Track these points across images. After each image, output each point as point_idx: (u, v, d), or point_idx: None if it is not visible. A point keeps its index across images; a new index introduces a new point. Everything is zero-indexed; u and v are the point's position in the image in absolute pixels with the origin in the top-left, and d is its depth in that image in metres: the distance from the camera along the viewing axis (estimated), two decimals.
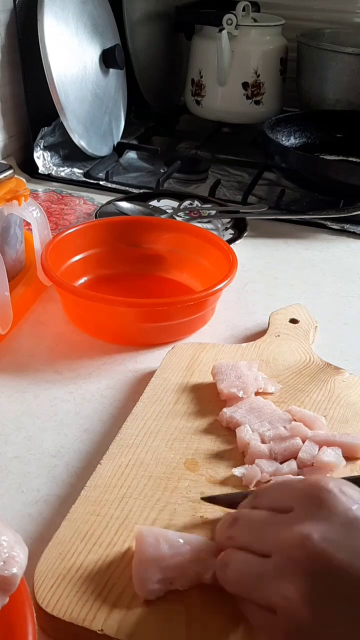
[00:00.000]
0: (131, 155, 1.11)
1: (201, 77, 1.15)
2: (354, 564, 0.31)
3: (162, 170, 1.03)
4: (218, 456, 0.49)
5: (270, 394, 0.55)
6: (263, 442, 0.49)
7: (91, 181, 0.99)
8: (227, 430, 0.51)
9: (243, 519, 0.38)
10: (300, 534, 0.33)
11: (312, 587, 0.31)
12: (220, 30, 1.06)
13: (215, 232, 0.80)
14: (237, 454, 0.49)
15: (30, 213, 0.65)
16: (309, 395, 0.56)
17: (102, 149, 1.05)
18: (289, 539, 0.33)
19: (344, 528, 0.33)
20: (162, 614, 0.37)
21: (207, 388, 0.56)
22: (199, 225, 0.81)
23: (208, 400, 0.55)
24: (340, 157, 1.08)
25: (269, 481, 0.46)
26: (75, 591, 0.38)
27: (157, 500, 0.45)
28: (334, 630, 0.31)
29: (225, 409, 0.52)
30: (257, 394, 0.55)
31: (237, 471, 0.47)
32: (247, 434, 0.50)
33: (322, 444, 0.49)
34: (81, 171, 1.02)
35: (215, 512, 0.44)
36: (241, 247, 0.80)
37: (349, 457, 0.49)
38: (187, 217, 0.88)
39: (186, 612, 0.38)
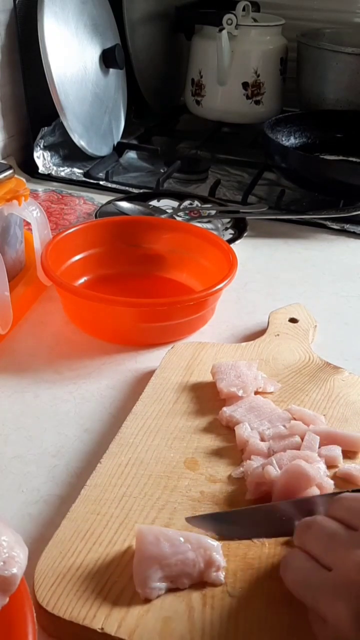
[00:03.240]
0: (131, 155, 1.11)
1: (201, 77, 1.15)
2: None
3: (162, 170, 1.03)
4: (218, 455, 0.49)
5: (270, 393, 0.56)
6: (262, 440, 0.50)
7: (91, 181, 0.99)
8: (227, 429, 0.52)
9: (316, 526, 0.38)
10: (357, 562, 0.34)
11: None
12: (220, 30, 1.06)
13: (215, 232, 0.80)
14: (236, 452, 0.49)
15: (30, 213, 0.65)
16: (308, 394, 0.56)
17: (102, 149, 1.05)
18: (351, 560, 0.34)
19: None
20: (162, 613, 0.38)
21: (207, 387, 0.56)
22: (199, 225, 0.81)
23: (208, 399, 0.55)
24: (340, 157, 1.08)
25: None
26: (75, 590, 0.39)
27: (157, 499, 0.45)
28: None
29: (224, 408, 0.53)
30: (256, 393, 0.55)
31: (235, 472, 0.47)
32: (246, 431, 0.50)
33: (321, 436, 0.49)
34: (81, 171, 1.02)
35: (215, 510, 0.44)
36: (241, 247, 0.80)
37: (348, 452, 0.49)
38: (187, 217, 0.88)
39: (187, 610, 0.38)
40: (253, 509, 0.45)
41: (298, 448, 0.48)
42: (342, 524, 0.37)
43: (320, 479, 0.45)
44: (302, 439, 0.49)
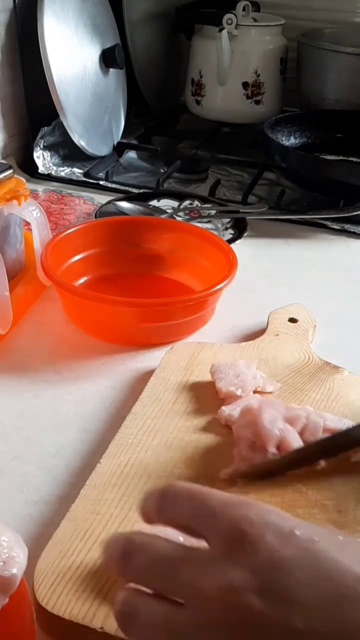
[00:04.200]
0: (131, 155, 1.11)
1: (201, 77, 1.15)
2: (279, 614, 0.27)
3: (162, 170, 1.03)
4: (217, 454, 0.49)
5: (269, 393, 0.56)
6: None
7: (91, 181, 0.99)
8: (226, 429, 0.52)
9: (143, 550, 0.30)
10: (219, 582, 0.28)
11: None
12: (220, 30, 1.06)
13: (215, 232, 0.80)
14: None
15: (30, 213, 0.65)
16: (308, 394, 0.56)
17: (102, 149, 1.05)
18: (206, 586, 0.28)
19: (268, 573, 0.28)
20: None
21: (206, 387, 0.56)
22: (199, 225, 0.81)
23: (207, 399, 0.55)
24: (340, 157, 1.08)
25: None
26: (75, 589, 0.39)
27: None
28: None
29: (223, 407, 0.53)
30: (255, 392, 0.55)
31: (224, 473, 0.47)
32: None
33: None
34: (81, 171, 1.02)
35: None
36: (241, 247, 0.80)
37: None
38: (187, 217, 0.88)
39: None
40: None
41: (297, 419, 0.49)
42: (179, 528, 0.31)
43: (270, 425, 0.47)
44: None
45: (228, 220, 0.87)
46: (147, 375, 0.59)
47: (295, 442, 0.47)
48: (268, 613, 0.27)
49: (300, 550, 0.28)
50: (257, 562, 0.28)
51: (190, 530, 0.31)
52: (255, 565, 0.28)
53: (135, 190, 0.96)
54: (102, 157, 1.05)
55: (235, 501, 0.30)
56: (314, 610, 0.27)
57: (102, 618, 0.37)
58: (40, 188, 0.98)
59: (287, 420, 0.48)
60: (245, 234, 0.83)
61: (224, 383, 0.55)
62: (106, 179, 0.99)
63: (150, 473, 0.47)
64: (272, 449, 0.47)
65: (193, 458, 0.49)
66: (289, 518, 0.30)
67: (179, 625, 0.28)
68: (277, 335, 0.63)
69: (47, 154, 1.02)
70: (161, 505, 0.32)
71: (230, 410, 0.52)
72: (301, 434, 0.48)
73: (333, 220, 0.89)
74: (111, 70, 1.06)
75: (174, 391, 0.55)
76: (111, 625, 0.37)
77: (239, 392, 0.54)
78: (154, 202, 0.91)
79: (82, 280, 0.73)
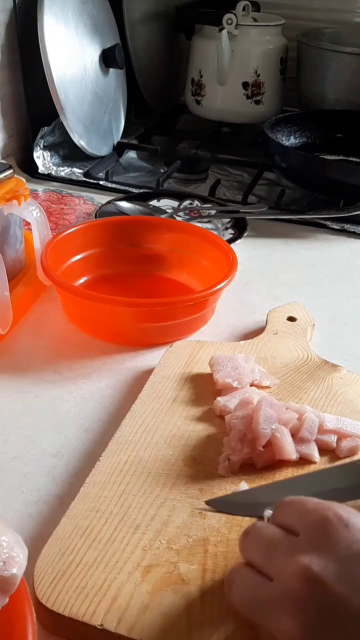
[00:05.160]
0: (131, 155, 1.11)
1: (201, 76, 1.15)
2: (352, 599, 0.31)
3: (162, 170, 1.03)
4: (216, 452, 0.49)
5: (266, 387, 0.56)
6: None
7: (91, 181, 0.99)
8: (221, 419, 0.52)
9: (253, 533, 0.37)
10: (301, 564, 0.33)
11: (310, 623, 0.31)
12: (220, 30, 1.07)
13: (215, 232, 0.80)
14: None
15: (30, 213, 0.65)
16: (306, 392, 0.56)
17: (102, 149, 1.05)
18: (290, 568, 0.33)
19: (346, 562, 0.33)
20: (162, 609, 0.38)
21: (206, 385, 0.56)
22: (199, 225, 0.81)
23: (206, 398, 0.55)
24: (340, 157, 1.08)
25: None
26: (75, 587, 0.39)
27: (156, 497, 0.45)
28: None
29: (219, 398, 0.53)
30: (252, 385, 0.56)
31: (221, 469, 0.48)
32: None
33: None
34: (81, 171, 1.02)
35: (215, 509, 0.44)
36: (241, 247, 0.80)
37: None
38: (187, 217, 0.88)
39: (186, 606, 0.38)
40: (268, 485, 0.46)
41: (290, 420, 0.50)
42: (284, 529, 0.36)
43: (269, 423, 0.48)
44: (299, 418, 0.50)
45: (228, 220, 0.87)
46: (146, 374, 0.59)
47: (288, 445, 0.48)
48: (343, 595, 0.31)
49: None
50: (336, 549, 0.33)
51: (291, 530, 0.36)
52: (335, 552, 0.33)
53: (135, 190, 0.96)
54: (102, 157, 1.05)
55: (327, 503, 0.36)
56: None
57: (102, 615, 0.37)
58: (40, 188, 0.98)
59: (283, 422, 0.49)
60: (245, 234, 0.84)
61: (221, 374, 0.55)
62: (106, 179, 0.99)
63: (150, 470, 0.47)
64: (260, 448, 0.47)
65: (192, 455, 0.49)
66: None
67: (264, 595, 0.34)
68: (276, 333, 0.63)
69: (47, 154, 1.02)
70: (276, 511, 0.38)
71: (225, 402, 0.53)
72: (296, 434, 0.49)
73: (333, 220, 0.89)
74: (111, 70, 1.06)
75: (173, 389, 0.56)
76: (111, 622, 0.37)
77: (235, 384, 0.54)
78: (154, 202, 0.91)
79: (82, 280, 0.73)
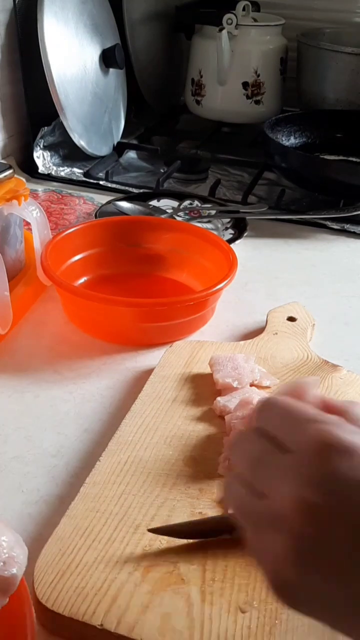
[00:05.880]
0: (131, 155, 1.11)
1: (201, 76, 1.15)
2: (342, 509, 0.29)
3: (162, 170, 1.03)
4: (216, 452, 0.49)
5: (266, 387, 0.56)
6: None
7: (91, 181, 0.99)
8: (221, 419, 0.52)
9: (240, 444, 0.34)
10: (297, 494, 0.30)
11: (300, 549, 0.29)
12: (220, 30, 1.07)
13: (215, 232, 0.80)
14: None
15: (30, 213, 0.66)
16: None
17: (102, 149, 1.05)
18: (285, 493, 0.30)
19: (347, 500, 0.29)
20: (162, 609, 0.38)
21: (205, 385, 0.56)
22: (199, 225, 0.81)
23: (206, 398, 0.55)
24: (340, 157, 1.08)
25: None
26: (75, 586, 0.39)
27: (156, 497, 0.45)
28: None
29: (219, 398, 0.53)
30: (252, 386, 0.55)
31: (221, 469, 0.48)
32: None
33: None
34: (81, 171, 1.02)
35: (214, 507, 0.44)
36: (241, 247, 0.80)
37: None
38: (187, 217, 0.88)
39: (186, 606, 0.38)
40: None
41: None
42: (271, 439, 0.32)
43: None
44: None
45: (228, 220, 0.87)
46: (146, 374, 0.59)
47: None
48: (340, 534, 0.28)
49: None
50: (340, 484, 0.29)
51: (278, 441, 0.32)
52: (338, 486, 0.29)
53: (135, 190, 0.96)
54: (102, 157, 1.05)
55: (323, 417, 0.32)
56: None
57: (102, 615, 0.37)
58: (40, 188, 0.98)
59: None
60: (245, 234, 0.84)
61: (221, 374, 0.55)
62: (106, 179, 0.99)
63: (150, 471, 0.47)
64: None
65: (192, 456, 0.49)
66: None
67: (250, 508, 0.32)
68: (276, 333, 0.63)
69: (47, 154, 1.02)
70: (258, 412, 0.34)
71: (225, 402, 0.53)
72: None
73: (333, 220, 0.89)
74: (111, 70, 1.06)
75: (173, 389, 0.56)
76: (111, 623, 0.37)
77: (235, 384, 0.54)
78: (154, 202, 0.91)
79: (82, 280, 0.73)
